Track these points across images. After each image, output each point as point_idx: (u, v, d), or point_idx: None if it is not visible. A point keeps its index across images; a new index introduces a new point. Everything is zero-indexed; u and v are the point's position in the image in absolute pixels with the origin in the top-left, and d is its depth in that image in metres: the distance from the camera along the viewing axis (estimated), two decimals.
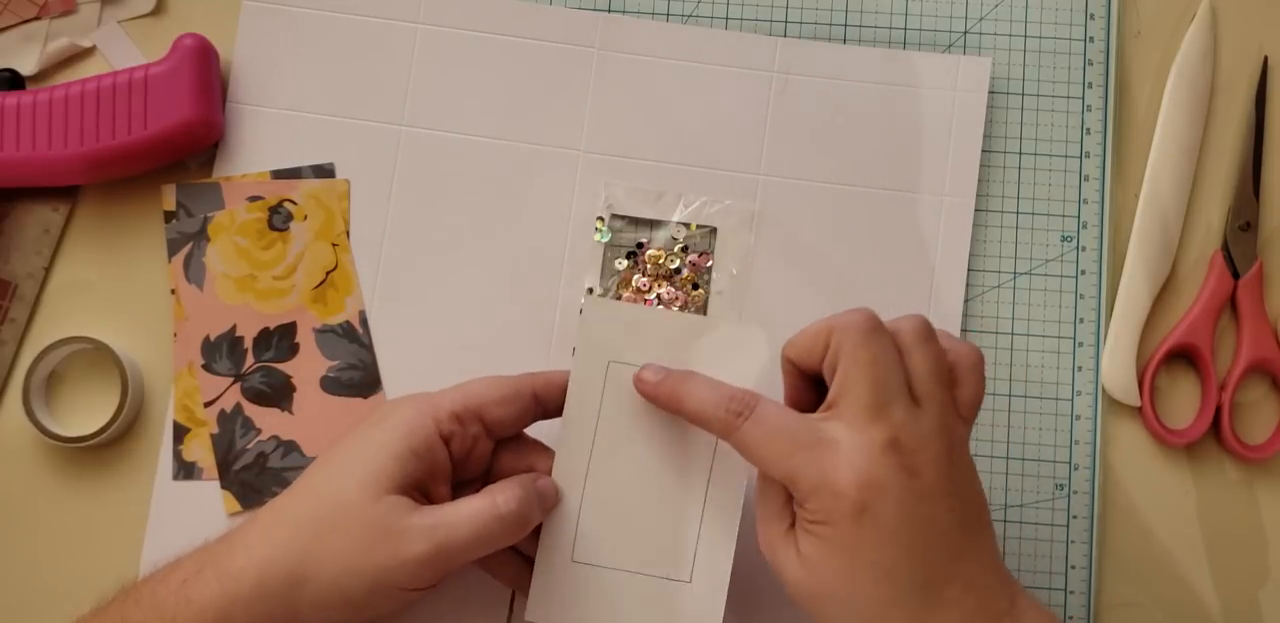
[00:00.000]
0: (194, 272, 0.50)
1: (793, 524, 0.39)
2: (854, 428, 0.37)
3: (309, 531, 0.40)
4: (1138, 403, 0.49)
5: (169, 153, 0.49)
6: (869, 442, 0.36)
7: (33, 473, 0.49)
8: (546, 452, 0.44)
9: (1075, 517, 0.49)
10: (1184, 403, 0.51)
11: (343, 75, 0.51)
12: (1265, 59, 0.52)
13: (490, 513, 0.40)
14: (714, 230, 0.50)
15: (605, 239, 0.50)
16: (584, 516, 0.43)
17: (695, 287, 0.50)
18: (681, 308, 0.49)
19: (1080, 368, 0.50)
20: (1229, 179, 0.52)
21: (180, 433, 0.49)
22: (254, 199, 0.50)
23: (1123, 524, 0.49)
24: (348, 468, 0.41)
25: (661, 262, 0.50)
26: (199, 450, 0.49)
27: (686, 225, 0.50)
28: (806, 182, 0.50)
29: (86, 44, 0.52)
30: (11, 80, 0.50)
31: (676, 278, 0.50)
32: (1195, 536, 0.49)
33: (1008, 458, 0.49)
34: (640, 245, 0.50)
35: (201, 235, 0.50)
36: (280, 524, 0.41)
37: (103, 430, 0.48)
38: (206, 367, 0.49)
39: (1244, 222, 0.51)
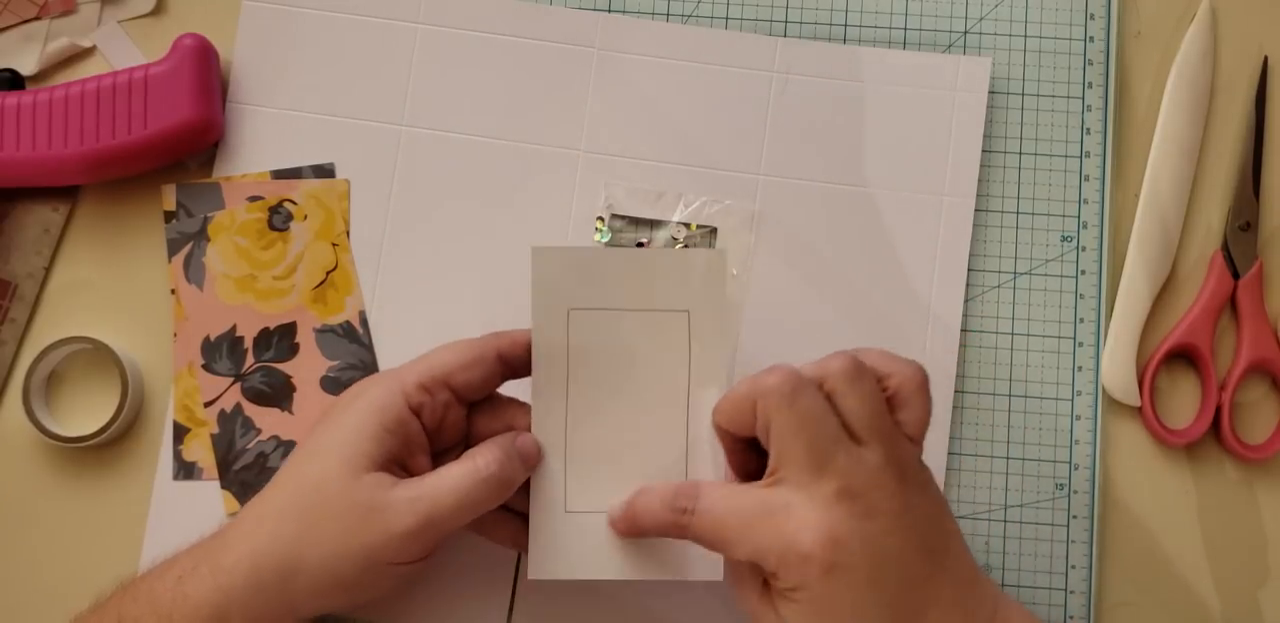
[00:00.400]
0: (194, 272, 0.50)
1: (767, 586, 0.38)
2: (801, 488, 0.37)
3: (295, 518, 0.40)
4: (1138, 403, 0.49)
5: (169, 153, 0.49)
6: (819, 497, 0.37)
7: (33, 473, 0.49)
8: (524, 409, 0.44)
9: (1075, 517, 0.49)
10: (1184, 403, 0.51)
11: (343, 75, 0.51)
12: (1265, 59, 0.52)
13: (472, 477, 0.40)
14: (714, 230, 0.50)
15: (605, 239, 0.50)
16: (571, 465, 0.43)
17: None
18: None
19: (1080, 368, 0.50)
20: (1229, 179, 0.52)
21: (180, 433, 0.49)
22: (254, 199, 0.50)
23: (1123, 524, 0.49)
24: (325, 453, 0.41)
25: None
26: (199, 450, 0.49)
27: (686, 225, 0.50)
28: (806, 181, 0.50)
29: (86, 44, 0.52)
30: (11, 80, 0.50)
31: None
32: (1195, 536, 0.49)
33: (1008, 458, 0.49)
34: (640, 245, 0.50)
35: (201, 235, 0.50)
36: (268, 515, 0.41)
37: (103, 430, 0.48)
38: (206, 367, 0.49)
39: (1244, 222, 0.51)
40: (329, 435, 0.41)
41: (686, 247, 0.50)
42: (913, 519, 0.37)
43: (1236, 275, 0.50)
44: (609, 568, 0.42)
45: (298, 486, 0.41)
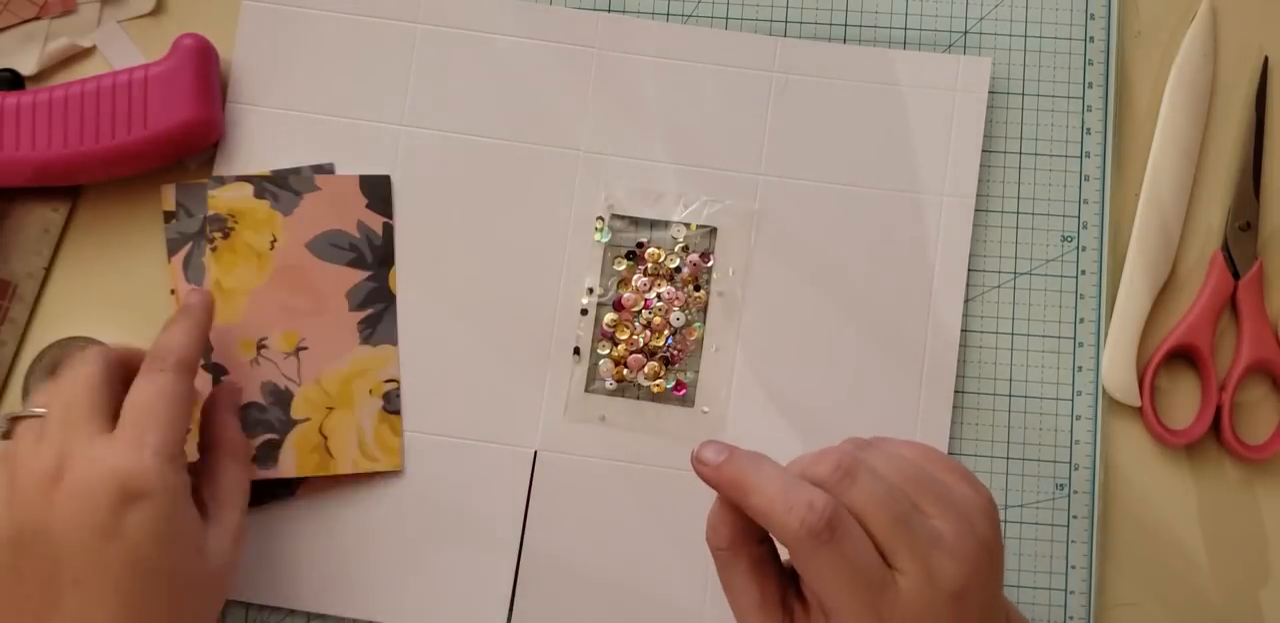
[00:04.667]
0: (193, 272, 0.50)
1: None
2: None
3: None
4: (1138, 403, 0.49)
5: (169, 153, 0.49)
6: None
7: None
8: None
9: (1075, 517, 0.49)
10: (1184, 403, 0.51)
11: (343, 75, 0.51)
12: (1265, 59, 0.52)
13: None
14: (714, 230, 0.50)
15: (605, 239, 0.50)
16: None
17: (696, 287, 0.50)
18: (682, 308, 0.49)
19: (1080, 368, 0.50)
20: (1229, 179, 0.52)
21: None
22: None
23: (1123, 524, 0.49)
24: None
25: (662, 261, 0.50)
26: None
27: (687, 225, 0.50)
28: (807, 181, 0.50)
29: (86, 44, 0.52)
30: (11, 80, 0.50)
31: (677, 277, 0.50)
32: (1195, 536, 0.49)
33: (1008, 458, 0.49)
34: (640, 245, 0.50)
35: (201, 235, 0.50)
36: None
37: None
38: (206, 366, 0.49)
39: (1244, 222, 0.51)
40: None
41: (686, 247, 0.50)
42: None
43: (1236, 275, 0.50)
44: None
45: None
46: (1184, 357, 0.51)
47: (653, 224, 0.50)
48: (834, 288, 0.50)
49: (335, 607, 0.48)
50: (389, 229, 0.50)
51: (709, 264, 0.50)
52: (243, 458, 0.46)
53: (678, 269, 0.50)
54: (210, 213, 0.49)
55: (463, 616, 0.48)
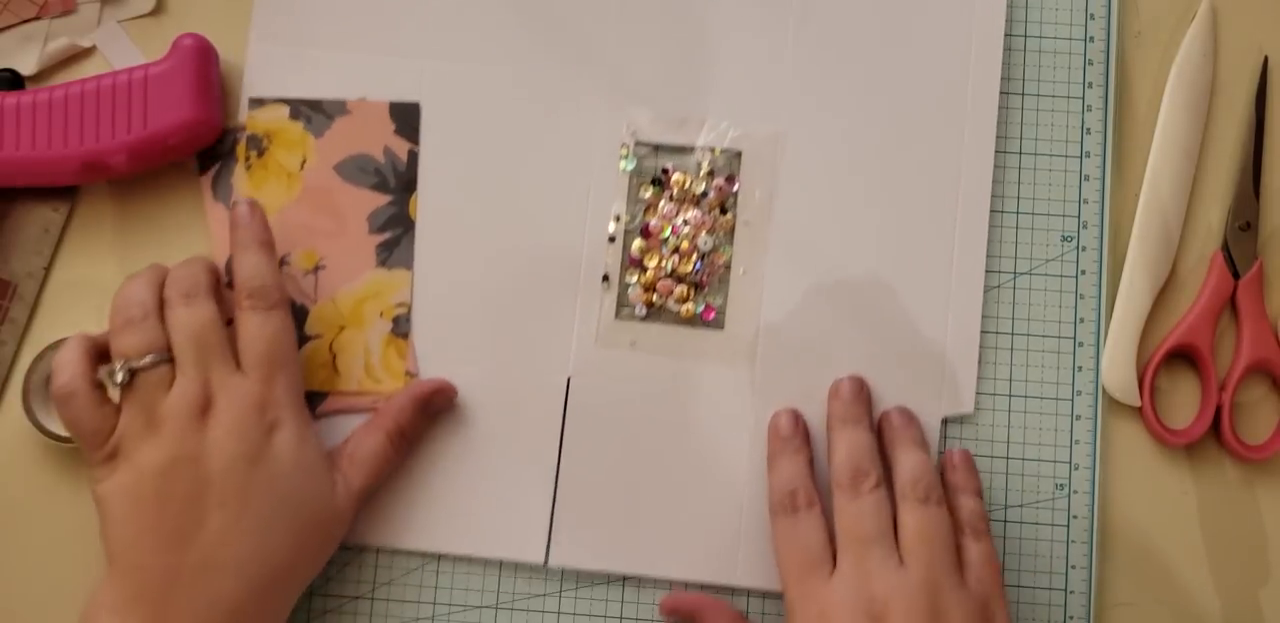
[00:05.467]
0: (222, 190, 0.50)
1: None
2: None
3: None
4: (1138, 403, 0.49)
5: (169, 153, 0.49)
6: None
7: (33, 473, 0.49)
8: None
9: (1075, 517, 0.49)
10: (1184, 403, 0.51)
11: (363, 9, 0.51)
12: (1265, 59, 0.52)
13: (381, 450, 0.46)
14: (739, 155, 0.50)
15: (631, 167, 0.50)
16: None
17: (723, 211, 0.50)
18: (709, 233, 0.50)
19: (1080, 368, 0.50)
20: (1229, 179, 0.52)
21: None
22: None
23: (1123, 524, 0.49)
24: None
25: (687, 186, 0.50)
26: None
27: (711, 150, 0.50)
28: (830, 106, 0.51)
29: (86, 44, 0.52)
30: (11, 80, 0.50)
31: (703, 203, 0.50)
32: (1195, 535, 0.49)
33: (1008, 458, 0.49)
34: (665, 172, 0.50)
35: (231, 155, 0.51)
36: None
37: None
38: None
39: (1244, 222, 0.51)
40: None
41: (712, 172, 0.50)
42: None
43: (1236, 275, 0.50)
44: None
45: None
46: (1184, 357, 0.51)
47: (678, 150, 0.51)
48: (858, 211, 0.50)
49: (372, 538, 0.48)
50: (414, 156, 0.50)
51: (735, 189, 0.50)
52: (396, 441, 0.46)
53: (704, 194, 0.50)
54: (249, 133, 0.50)
55: (502, 542, 0.48)
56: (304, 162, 0.50)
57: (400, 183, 0.50)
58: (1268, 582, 0.49)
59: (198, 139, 0.49)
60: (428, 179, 0.50)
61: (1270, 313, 0.50)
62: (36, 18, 0.52)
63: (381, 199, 0.50)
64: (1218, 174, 0.52)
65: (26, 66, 0.51)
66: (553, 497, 0.48)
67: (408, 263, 0.50)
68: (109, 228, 0.51)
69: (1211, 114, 0.52)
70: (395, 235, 0.50)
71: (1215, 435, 0.50)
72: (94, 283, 0.51)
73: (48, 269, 0.51)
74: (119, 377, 0.42)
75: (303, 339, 0.49)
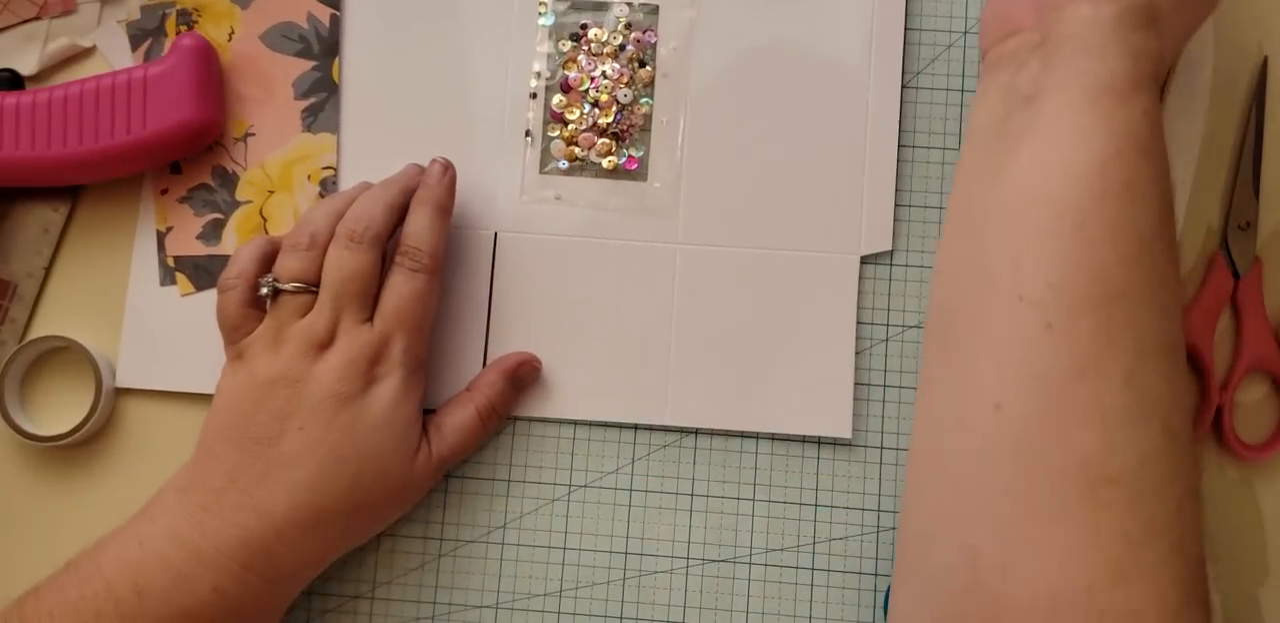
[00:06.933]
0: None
1: None
2: None
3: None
4: None
5: (169, 153, 0.49)
6: None
7: (12, 473, 0.50)
8: None
9: None
10: None
11: None
12: (1265, 59, 0.52)
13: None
14: (656, 8, 0.51)
15: (549, 23, 0.51)
16: None
17: (641, 64, 0.51)
18: (628, 85, 0.50)
19: None
20: (1229, 179, 0.52)
21: (162, 239, 0.50)
22: None
23: None
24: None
25: (605, 40, 0.51)
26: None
27: (629, 5, 0.51)
28: None
29: (86, 44, 0.52)
30: (11, 80, 0.50)
31: (621, 56, 0.51)
32: None
33: None
34: (584, 26, 0.51)
35: (161, 30, 0.52)
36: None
37: (76, 429, 0.48)
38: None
39: (1244, 221, 0.51)
40: None
41: (629, 25, 0.51)
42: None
43: (1236, 275, 0.50)
44: None
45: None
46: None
47: (596, 6, 0.51)
48: (775, 61, 0.51)
49: None
50: (335, 20, 0.51)
51: (653, 41, 0.51)
52: (485, 415, 0.48)
53: (621, 47, 0.51)
54: (178, 7, 0.52)
55: (432, 398, 0.49)
56: (231, 33, 0.51)
57: (323, 48, 0.51)
58: (1268, 582, 0.49)
59: (198, 139, 0.49)
60: (350, 43, 0.51)
61: (1270, 313, 0.50)
62: (36, 18, 0.52)
63: (305, 65, 0.51)
64: (1218, 174, 0.52)
65: (26, 66, 0.51)
66: (484, 350, 0.49)
67: (333, 127, 0.51)
68: (109, 228, 0.51)
69: (1211, 114, 0.52)
70: (320, 100, 0.51)
71: (1215, 435, 0.50)
72: (94, 283, 0.51)
73: (48, 269, 0.51)
74: (263, 290, 0.45)
75: (234, 204, 0.51)
